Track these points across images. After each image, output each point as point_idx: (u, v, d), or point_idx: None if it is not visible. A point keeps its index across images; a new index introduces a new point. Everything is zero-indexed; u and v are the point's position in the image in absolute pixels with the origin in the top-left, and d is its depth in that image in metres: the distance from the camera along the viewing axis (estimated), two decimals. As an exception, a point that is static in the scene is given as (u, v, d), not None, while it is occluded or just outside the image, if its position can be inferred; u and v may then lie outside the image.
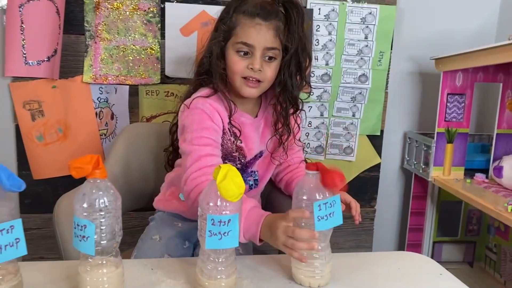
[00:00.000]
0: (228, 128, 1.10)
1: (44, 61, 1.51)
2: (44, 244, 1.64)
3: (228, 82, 1.10)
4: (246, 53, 1.05)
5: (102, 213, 0.72)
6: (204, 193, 0.76)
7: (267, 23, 1.04)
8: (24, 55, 1.50)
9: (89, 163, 0.70)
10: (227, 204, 0.73)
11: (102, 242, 0.73)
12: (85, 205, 0.71)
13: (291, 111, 1.15)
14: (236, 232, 0.74)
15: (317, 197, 0.82)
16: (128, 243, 1.21)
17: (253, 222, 0.89)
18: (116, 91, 1.59)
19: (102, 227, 0.72)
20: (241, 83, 1.07)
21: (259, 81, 1.07)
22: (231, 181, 0.71)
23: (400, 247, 2.01)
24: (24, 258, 1.66)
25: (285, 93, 1.12)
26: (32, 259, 1.69)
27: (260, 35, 1.03)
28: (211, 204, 0.74)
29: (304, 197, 0.82)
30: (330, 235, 0.86)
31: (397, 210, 2.00)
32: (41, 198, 1.60)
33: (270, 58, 1.06)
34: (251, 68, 1.04)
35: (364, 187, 1.84)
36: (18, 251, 0.69)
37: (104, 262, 0.75)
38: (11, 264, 0.72)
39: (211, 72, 1.09)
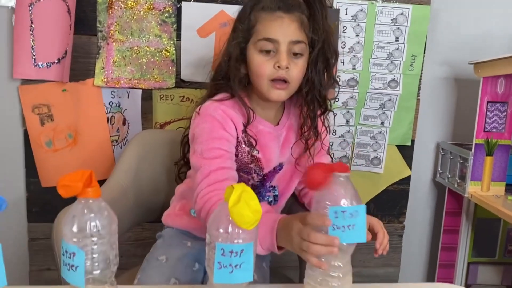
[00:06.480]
0: (243, 137, 1.01)
1: (54, 63, 1.45)
2: (52, 255, 1.57)
3: (250, 87, 1.03)
4: (269, 52, 0.97)
5: (94, 238, 0.63)
6: (214, 217, 0.65)
7: (290, 15, 0.97)
8: (33, 57, 1.44)
9: (79, 180, 0.61)
10: (240, 232, 0.63)
11: (94, 272, 0.64)
12: (74, 229, 0.62)
13: (319, 112, 1.07)
14: (250, 265, 0.63)
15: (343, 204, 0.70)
16: (139, 256, 1.15)
17: (268, 229, 0.81)
18: (128, 95, 1.52)
19: (94, 255, 0.63)
20: (268, 87, 0.99)
21: (286, 81, 0.98)
22: (245, 205, 0.60)
23: (431, 266, 1.88)
24: (31, 269, 1.61)
25: (313, 92, 1.03)
26: (40, 270, 1.65)
27: (283, 28, 0.96)
28: (221, 230, 0.64)
29: (328, 202, 0.71)
30: (351, 253, 0.74)
31: (428, 227, 1.88)
32: (49, 207, 1.53)
33: (296, 54, 0.98)
34: (278, 67, 0.96)
35: (392, 201, 1.74)
36: (-4, 282, 0.60)
37: (97, 293, 0.65)
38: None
39: (229, 76, 1.02)
